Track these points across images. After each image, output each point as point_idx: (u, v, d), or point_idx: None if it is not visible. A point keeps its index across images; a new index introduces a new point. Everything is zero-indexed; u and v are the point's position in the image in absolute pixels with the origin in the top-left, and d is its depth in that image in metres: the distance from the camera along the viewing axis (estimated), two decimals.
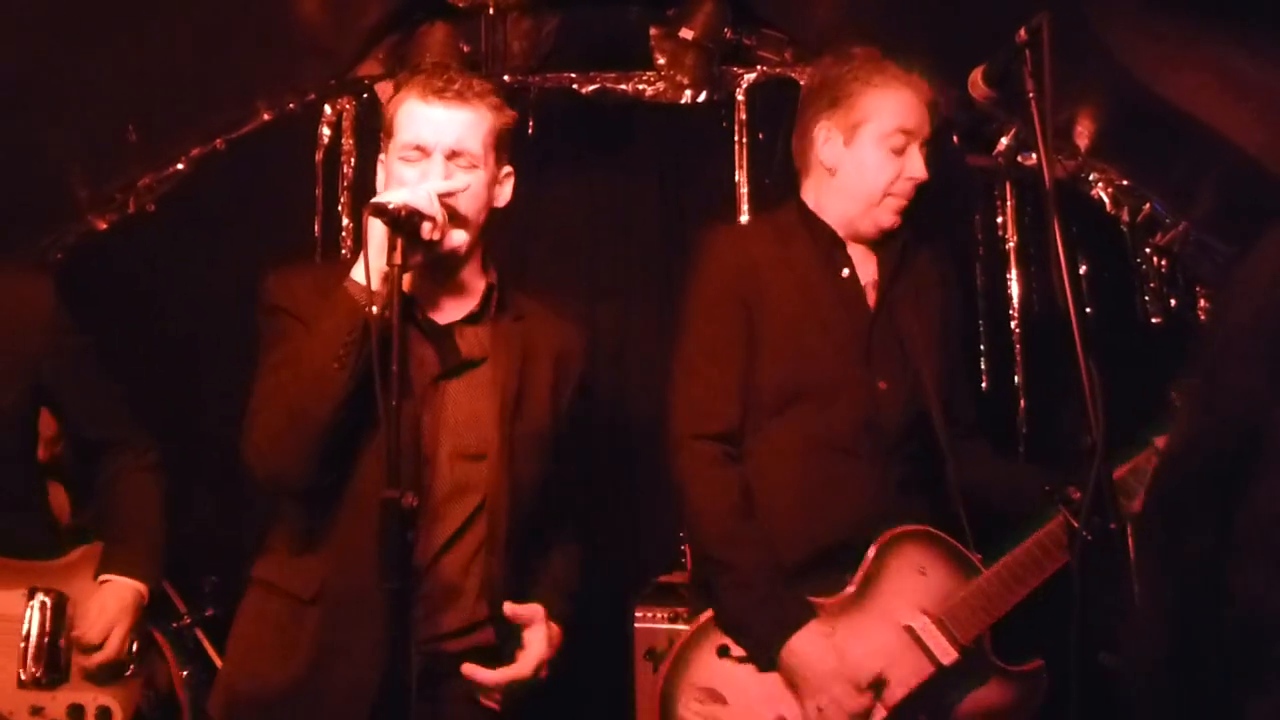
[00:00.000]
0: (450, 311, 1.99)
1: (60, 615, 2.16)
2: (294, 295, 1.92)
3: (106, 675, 2.17)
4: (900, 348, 2.20)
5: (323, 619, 1.82)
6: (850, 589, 2.05)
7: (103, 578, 2.22)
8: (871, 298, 2.22)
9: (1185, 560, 0.78)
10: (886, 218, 2.21)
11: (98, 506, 2.35)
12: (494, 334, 1.99)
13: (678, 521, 2.19)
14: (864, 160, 2.19)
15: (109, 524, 2.30)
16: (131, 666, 2.21)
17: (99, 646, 2.15)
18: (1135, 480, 2.03)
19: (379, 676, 1.72)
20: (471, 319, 1.99)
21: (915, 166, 2.19)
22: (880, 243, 2.26)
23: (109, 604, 2.17)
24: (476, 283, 2.02)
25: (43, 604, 2.14)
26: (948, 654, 2.01)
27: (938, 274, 2.34)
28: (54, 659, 2.14)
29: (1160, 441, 2.06)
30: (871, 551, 2.06)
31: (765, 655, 2.00)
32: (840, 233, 2.24)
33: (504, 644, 1.94)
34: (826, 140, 2.23)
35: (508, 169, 2.00)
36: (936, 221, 3.36)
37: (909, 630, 2.04)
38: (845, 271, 2.21)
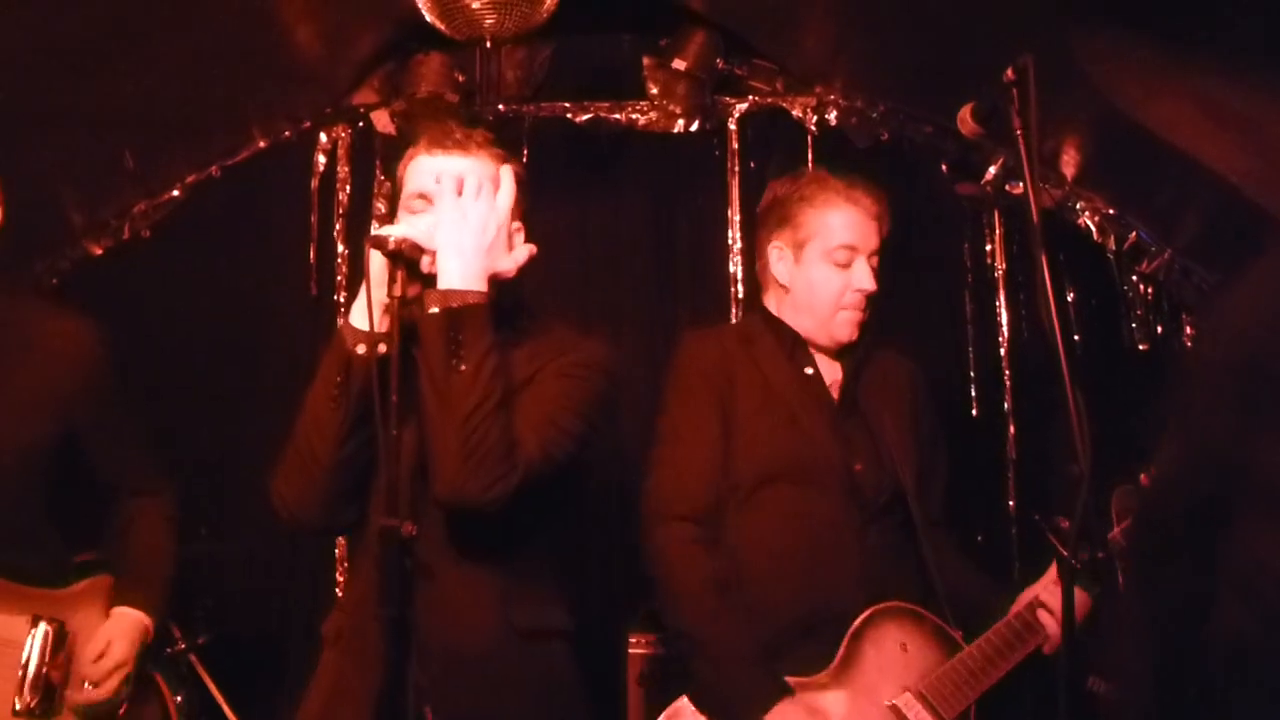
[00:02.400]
0: None
1: (60, 646, 2.16)
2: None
3: (99, 712, 2.18)
4: (871, 437, 2.24)
5: (336, 660, 1.85)
6: (832, 666, 2.05)
7: (113, 610, 2.25)
8: (836, 396, 2.28)
9: (1167, 597, 0.80)
10: (843, 330, 2.27)
11: (110, 546, 2.36)
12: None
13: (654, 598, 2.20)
14: (812, 276, 2.26)
15: (123, 565, 2.32)
16: (124, 706, 2.21)
17: (97, 684, 2.16)
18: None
19: (370, 713, 1.71)
20: None
21: (862, 278, 2.24)
22: (842, 352, 2.32)
23: (114, 645, 2.19)
24: None
25: (45, 633, 2.14)
26: None
27: (906, 374, 2.38)
28: (50, 690, 2.13)
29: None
30: (851, 629, 2.06)
31: None
32: (803, 336, 2.30)
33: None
34: (779, 259, 2.32)
35: (516, 224, 2.02)
36: (925, 249, 3.44)
37: (893, 709, 2.04)
38: (809, 370, 2.27)
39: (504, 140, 2.05)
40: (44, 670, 2.13)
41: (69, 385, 2.21)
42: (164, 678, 2.33)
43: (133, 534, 2.34)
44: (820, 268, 2.25)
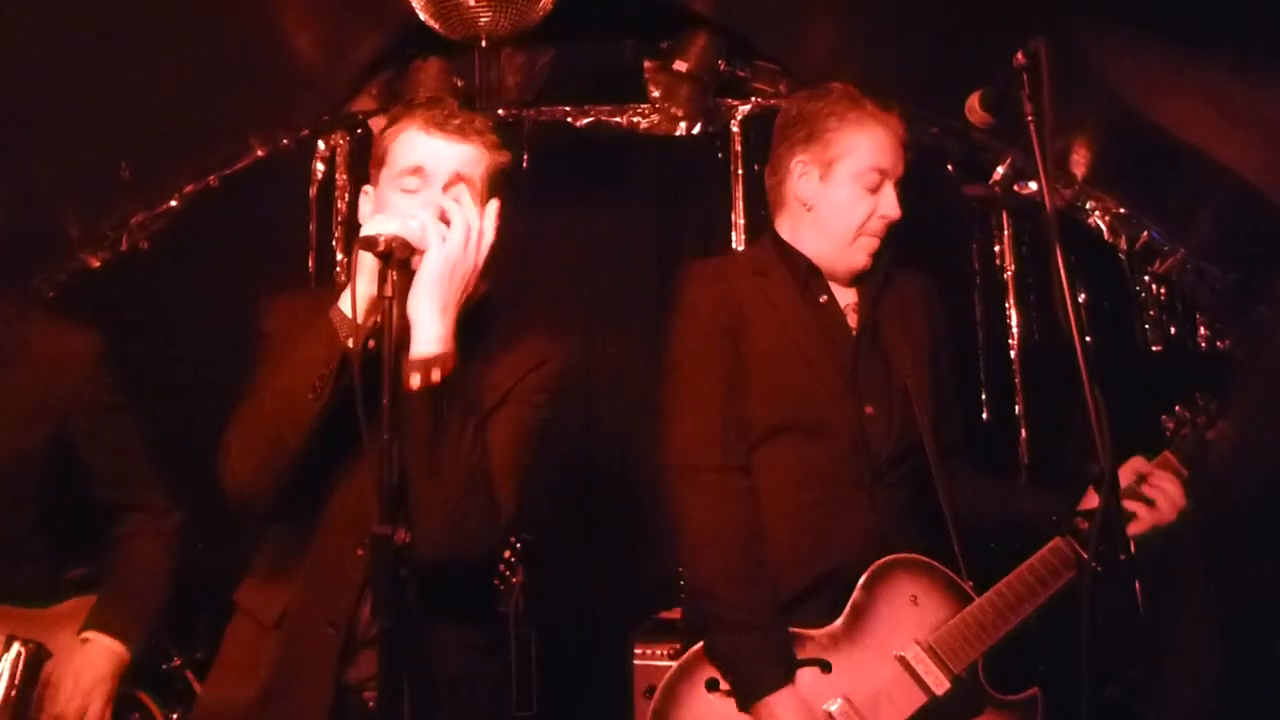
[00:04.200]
0: None
1: (34, 668, 2.09)
2: (284, 320, 1.91)
3: None
4: (886, 370, 2.18)
5: (281, 646, 1.80)
6: (841, 619, 2.03)
7: (84, 635, 2.16)
8: (853, 320, 2.21)
9: (1234, 589, 0.75)
10: (859, 258, 2.21)
11: (104, 563, 2.29)
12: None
13: (673, 553, 2.15)
14: (839, 197, 2.18)
15: (107, 582, 2.26)
16: None
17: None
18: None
19: (326, 713, 1.71)
20: None
21: (889, 205, 2.18)
22: (856, 278, 2.26)
23: (84, 676, 2.11)
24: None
25: (18, 654, 2.07)
26: (940, 683, 1.99)
27: (922, 293, 2.32)
28: (21, 712, 2.07)
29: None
30: (861, 581, 2.04)
31: (744, 699, 1.98)
32: (816, 263, 2.23)
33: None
34: (802, 175, 2.22)
35: (495, 202, 1.98)
36: (933, 251, 3.40)
37: (901, 660, 2.01)
38: (824, 298, 2.21)
39: (504, 142, 2.00)
40: (13, 694, 2.05)
41: (62, 394, 2.17)
42: (151, 698, 2.28)
43: (124, 553, 2.27)
44: (849, 188, 2.17)
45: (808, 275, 2.21)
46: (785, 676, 1.96)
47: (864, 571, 2.04)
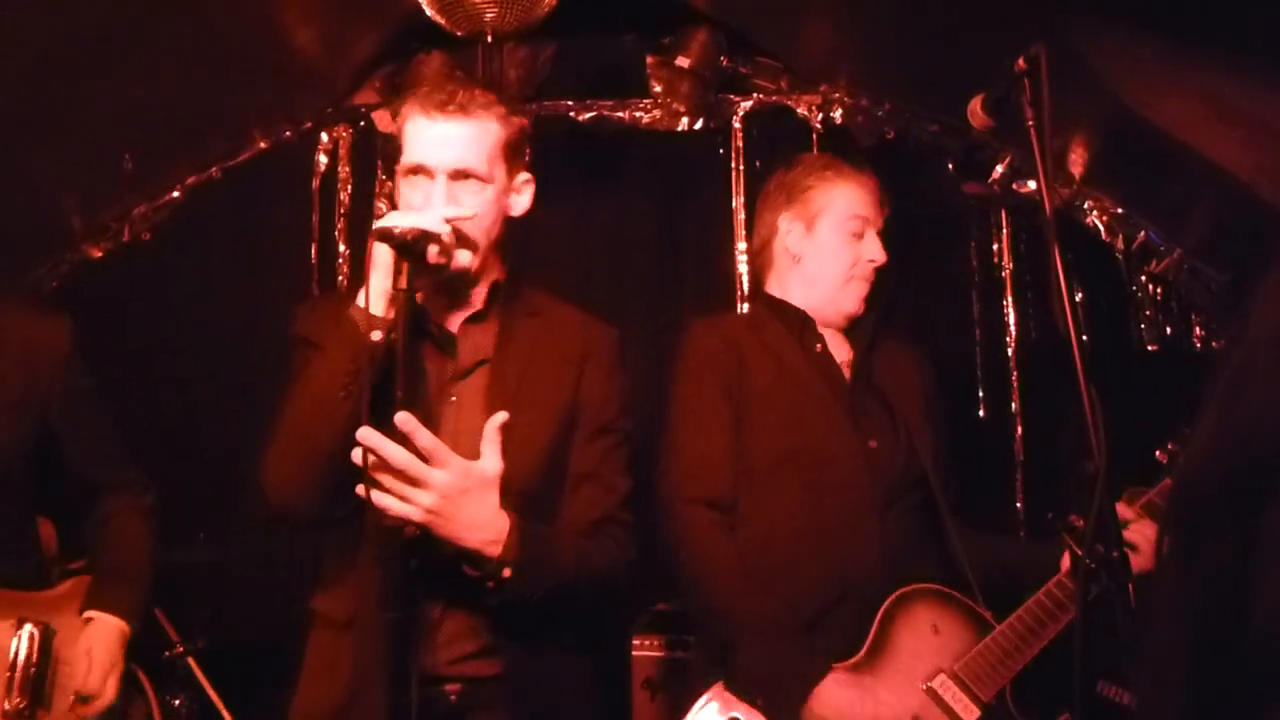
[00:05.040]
0: (458, 315, 1.93)
1: (47, 647, 2.15)
2: (315, 324, 1.89)
3: (93, 714, 2.15)
4: (887, 411, 2.23)
5: (356, 645, 1.79)
6: (864, 649, 2.02)
7: (88, 614, 2.20)
8: (847, 372, 2.27)
9: (1205, 574, 0.77)
10: (851, 303, 2.28)
11: (88, 544, 2.33)
12: (499, 332, 1.93)
13: (666, 584, 2.18)
14: (825, 245, 2.29)
15: (99, 561, 2.30)
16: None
17: (97, 694, 2.13)
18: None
19: (400, 707, 1.68)
20: (475, 318, 1.93)
21: (873, 250, 2.29)
22: (849, 329, 2.32)
23: (100, 650, 2.16)
24: (485, 284, 1.95)
25: (30, 635, 2.12)
26: (970, 712, 1.98)
27: (912, 357, 2.38)
28: (38, 691, 2.12)
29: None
30: (881, 612, 2.04)
31: (790, 704, 1.95)
32: (809, 315, 2.28)
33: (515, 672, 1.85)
34: (789, 231, 2.32)
35: (524, 176, 1.96)
36: (932, 249, 3.41)
37: (929, 691, 2.01)
38: (818, 347, 2.26)
39: (514, 109, 1.98)
40: (31, 672, 2.11)
41: (43, 384, 2.19)
42: (154, 685, 2.31)
43: (109, 532, 2.31)
44: (834, 236, 2.28)
45: (802, 327, 2.26)
46: (823, 667, 1.96)
47: (879, 596, 2.05)
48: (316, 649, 1.88)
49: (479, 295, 1.93)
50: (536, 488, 1.86)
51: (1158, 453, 2.12)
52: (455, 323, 1.92)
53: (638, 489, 2.04)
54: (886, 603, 2.04)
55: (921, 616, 2.06)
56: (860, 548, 2.09)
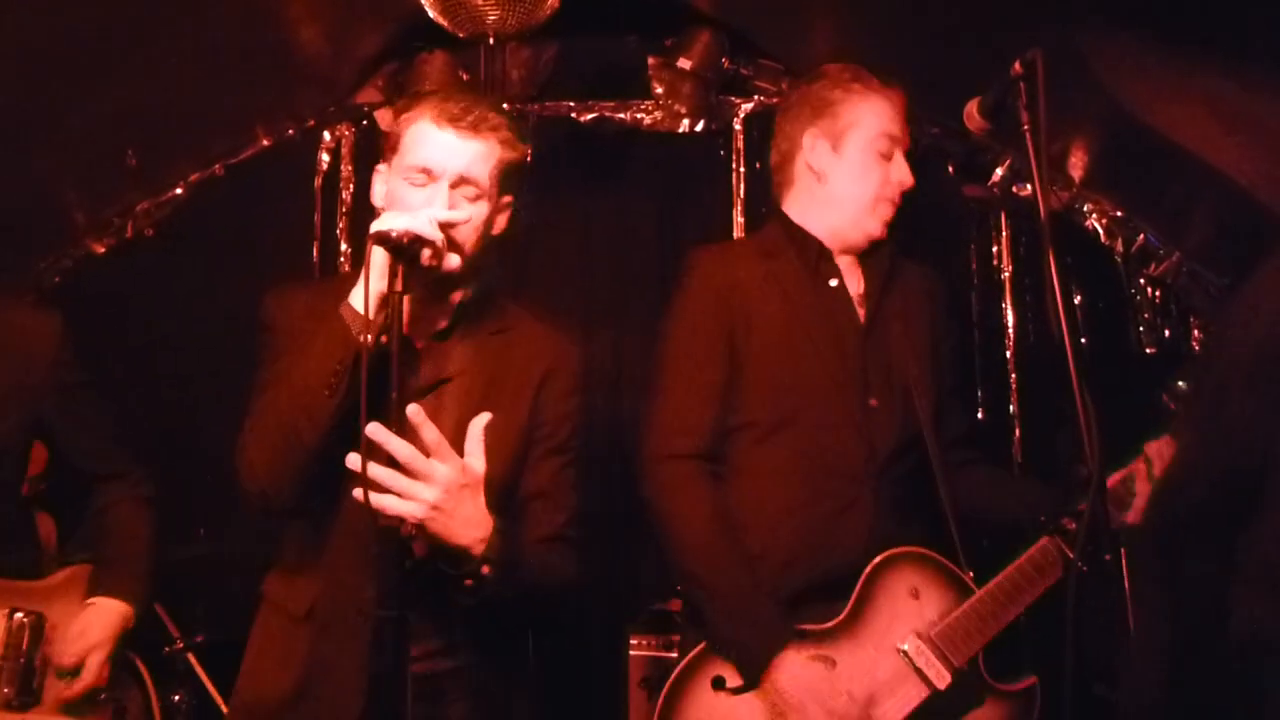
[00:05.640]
0: (424, 331, 1.95)
1: (37, 637, 2.16)
2: (289, 314, 1.92)
3: (80, 702, 2.16)
4: (889, 362, 2.20)
5: (313, 637, 1.82)
6: (843, 614, 2.05)
7: (90, 601, 2.22)
8: (861, 311, 2.22)
9: (1184, 586, 0.78)
10: (875, 226, 2.22)
11: (87, 535, 2.36)
12: (462, 353, 1.95)
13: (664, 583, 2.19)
14: (853, 165, 2.21)
15: (99, 549, 2.32)
16: (103, 693, 2.20)
17: (75, 672, 2.14)
18: (1126, 490, 2.04)
19: (363, 700, 1.71)
20: (440, 335, 1.95)
21: (902, 172, 2.22)
22: (867, 253, 2.26)
23: (90, 629, 2.17)
24: (454, 300, 1.99)
25: (20, 624, 2.14)
26: (941, 677, 2.01)
27: (925, 288, 2.34)
28: (27, 681, 2.13)
29: (1151, 448, 2.07)
30: (863, 575, 2.05)
31: (753, 671, 1.99)
32: (827, 244, 2.24)
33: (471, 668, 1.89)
34: (814, 148, 2.23)
35: (508, 198, 2.00)
36: (931, 251, 3.41)
37: (902, 654, 2.03)
38: (834, 281, 2.21)
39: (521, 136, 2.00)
40: (20, 662, 2.12)
41: (35, 379, 2.21)
42: (153, 678, 2.32)
43: (108, 520, 2.33)
44: (862, 156, 2.20)
45: (818, 257, 2.21)
46: (786, 637, 1.98)
47: (866, 564, 2.06)
48: (266, 636, 1.90)
49: (446, 312, 1.96)
50: (491, 506, 1.86)
51: (1164, 396, 2.11)
52: (421, 338, 1.95)
53: (634, 492, 2.05)
54: (869, 566, 2.06)
55: (902, 580, 2.07)
56: (852, 517, 2.10)
